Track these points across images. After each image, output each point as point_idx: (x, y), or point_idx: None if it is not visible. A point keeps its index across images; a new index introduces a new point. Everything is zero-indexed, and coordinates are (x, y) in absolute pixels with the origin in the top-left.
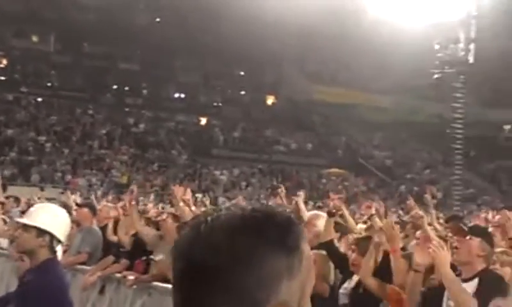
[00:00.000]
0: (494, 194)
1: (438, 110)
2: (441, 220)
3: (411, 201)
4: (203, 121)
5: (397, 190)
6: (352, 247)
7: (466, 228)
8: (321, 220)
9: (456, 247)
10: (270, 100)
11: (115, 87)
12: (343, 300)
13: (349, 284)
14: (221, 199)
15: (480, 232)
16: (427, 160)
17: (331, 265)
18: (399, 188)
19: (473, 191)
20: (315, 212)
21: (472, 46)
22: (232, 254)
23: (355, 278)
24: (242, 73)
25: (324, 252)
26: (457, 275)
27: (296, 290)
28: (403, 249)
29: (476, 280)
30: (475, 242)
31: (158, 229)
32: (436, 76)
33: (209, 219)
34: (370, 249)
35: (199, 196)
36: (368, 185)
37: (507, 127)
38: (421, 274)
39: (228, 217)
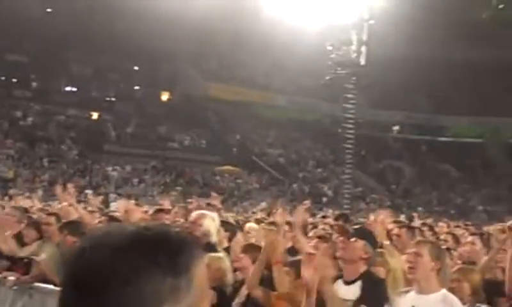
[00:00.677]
0: (382, 193)
1: (330, 110)
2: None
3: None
4: (95, 115)
5: (289, 188)
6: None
7: (351, 229)
8: (208, 219)
9: (341, 248)
10: (165, 96)
11: (2, 78)
12: None
13: (239, 299)
14: (112, 196)
15: (365, 234)
16: (319, 158)
17: (228, 267)
18: (292, 187)
19: (362, 190)
20: (202, 211)
21: (363, 48)
22: (114, 273)
23: (244, 291)
24: (136, 68)
25: (220, 254)
26: (339, 277)
27: None
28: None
29: (359, 282)
30: (360, 244)
31: (40, 228)
32: (328, 77)
33: (99, 234)
34: (259, 258)
35: (89, 192)
36: (261, 182)
37: (395, 128)
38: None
39: (117, 234)
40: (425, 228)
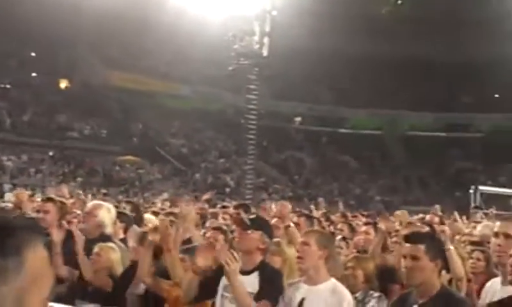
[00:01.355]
0: (284, 183)
1: (233, 101)
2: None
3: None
4: None
5: (192, 179)
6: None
7: (247, 220)
8: (103, 210)
9: (237, 239)
10: (63, 84)
11: None
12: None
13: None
14: (7, 187)
15: (261, 225)
16: (222, 149)
17: (118, 257)
18: (194, 177)
19: (265, 180)
20: (97, 201)
21: (266, 40)
22: None
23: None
24: (33, 54)
25: (111, 244)
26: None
27: (8, 296)
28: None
29: (256, 273)
30: (256, 234)
31: None
32: (231, 67)
33: None
34: (146, 246)
35: None
36: (163, 173)
37: (297, 119)
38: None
39: None
40: (322, 218)
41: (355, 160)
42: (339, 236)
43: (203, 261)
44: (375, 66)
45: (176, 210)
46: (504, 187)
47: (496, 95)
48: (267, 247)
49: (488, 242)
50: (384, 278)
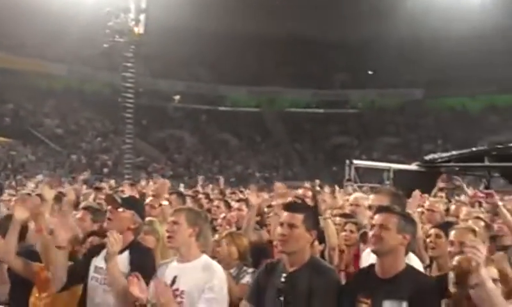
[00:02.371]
0: (164, 162)
1: (110, 79)
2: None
3: None
4: None
5: (68, 160)
6: None
7: (119, 199)
8: None
9: (109, 218)
10: None
11: None
12: None
13: None
14: None
15: (133, 204)
16: (99, 129)
17: None
18: (70, 158)
19: (144, 159)
20: None
21: (142, 17)
22: None
23: None
24: None
25: None
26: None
27: None
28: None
29: (126, 253)
30: (128, 214)
31: None
32: (106, 45)
33: None
34: (10, 227)
35: None
36: (37, 154)
37: (176, 97)
38: (65, 251)
39: None
40: (201, 196)
41: (235, 138)
42: (222, 215)
43: (61, 236)
44: (253, 45)
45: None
46: (379, 160)
47: (370, 72)
48: (138, 226)
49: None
50: (258, 253)
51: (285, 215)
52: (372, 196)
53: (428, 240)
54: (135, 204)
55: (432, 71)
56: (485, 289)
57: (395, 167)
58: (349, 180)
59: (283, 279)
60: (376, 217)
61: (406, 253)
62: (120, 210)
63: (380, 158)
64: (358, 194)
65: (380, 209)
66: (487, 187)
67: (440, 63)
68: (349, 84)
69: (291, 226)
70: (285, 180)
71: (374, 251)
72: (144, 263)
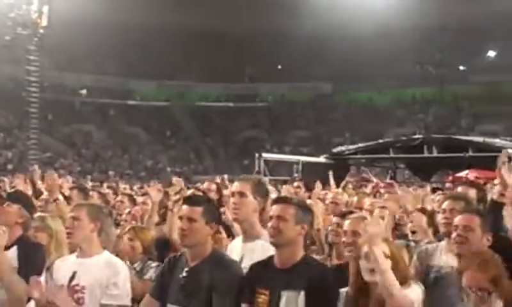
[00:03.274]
0: (71, 158)
1: (13, 73)
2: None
3: None
4: None
5: None
6: None
7: (4, 194)
8: None
9: None
10: None
11: None
12: None
13: None
14: None
15: (20, 198)
16: (2, 124)
17: None
18: None
19: (51, 155)
20: None
21: (45, 8)
22: None
23: None
24: None
25: None
26: None
27: None
28: None
29: (14, 248)
30: (13, 208)
31: None
32: (8, 37)
33: None
34: None
35: None
36: None
37: (82, 91)
38: None
39: None
40: (109, 190)
41: (145, 132)
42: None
43: None
44: (162, 38)
45: None
46: (290, 154)
47: (280, 66)
48: (26, 220)
49: None
50: (162, 247)
51: (184, 208)
52: (235, 183)
53: (330, 228)
54: (21, 199)
55: (340, 66)
56: (375, 263)
57: (304, 159)
58: (258, 172)
59: (184, 274)
60: (274, 208)
61: (304, 242)
62: (5, 204)
63: (291, 152)
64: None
65: (277, 200)
66: (392, 178)
67: (348, 58)
68: (259, 77)
69: (190, 219)
70: (196, 174)
71: (272, 243)
72: (32, 258)
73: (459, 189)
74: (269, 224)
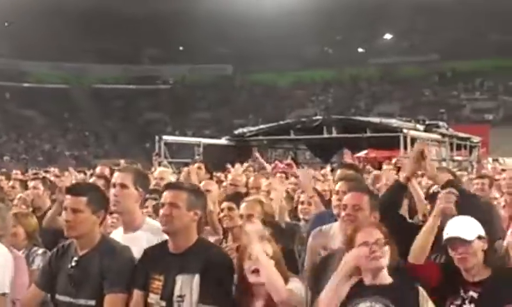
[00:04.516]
0: None
1: None
2: None
3: None
4: None
5: None
6: None
7: None
8: None
9: None
10: None
11: None
12: None
13: None
14: None
15: None
16: None
17: None
18: None
19: None
20: None
21: None
22: None
23: None
24: None
25: None
26: None
27: None
28: None
29: None
30: None
31: None
32: None
33: None
34: None
35: None
36: None
37: None
38: None
39: None
40: (1, 177)
41: (41, 116)
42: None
43: None
44: (58, 18)
45: None
46: (193, 136)
47: (181, 47)
48: None
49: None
50: (53, 234)
51: (67, 199)
52: (116, 173)
53: (222, 214)
54: None
55: (242, 48)
56: (259, 263)
57: (205, 142)
58: (157, 154)
59: (73, 264)
60: (165, 194)
61: (198, 227)
62: None
63: (193, 134)
64: (162, 169)
65: (168, 186)
66: (293, 159)
67: (249, 40)
68: (159, 59)
69: (74, 210)
70: (96, 158)
71: (165, 231)
72: None
73: (339, 171)
74: (161, 212)
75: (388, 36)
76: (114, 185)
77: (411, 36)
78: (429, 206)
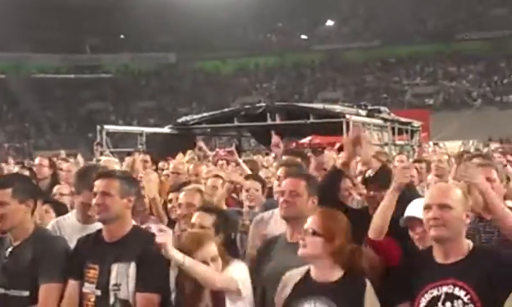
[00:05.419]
0: None
1: None
2: None
3: None
4: None
5: None
6: None
7: None
8: None
9: None
10: None
11: None
12: None
13: None
14: None
15: None
16: None
17: None
18: None
19: None
20: None
21: None
22: None
23: None
24: None
25: None
26: None
27: None
28: None
29: None
30: None
31: None
32: None
33: None
34: None
35: None
36: None
37: None
38: None
39: None
40: None
41: None
42: None
43: None
44: None
45: None
46: (138, 125)
47: (122, 36)
48: None
49: None
50: None
51: None
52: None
53: (170, 205)
54: None
55: (185, 36)
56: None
57: (148, 131)
58: (98, 144)
59: (7, 255)
60: (97, 183)
61: (132, 212)
62: None
63: (138, 123)
64: (107, 158)
65: (100, 175)
66: (238, 147)
67: (192, 28)
68: (100, 48)
69: (1, 203)
70: (36, 149)
71: (99, 220)
72: None
73: (283, 158)
74: (94, 201)
75: (330, 23)
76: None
77: (353, 23)
78: (365, 191)
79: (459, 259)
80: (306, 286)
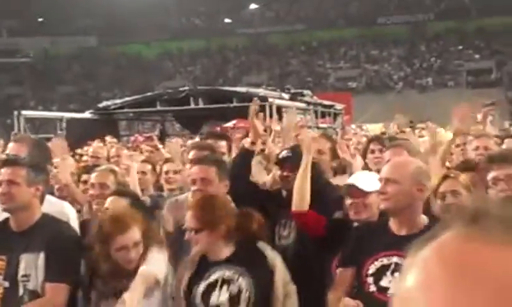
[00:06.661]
0: None
1: None
2: None
3: None
4: None
5: None
6: None
7: None
8: None
9: None
10: None
11: None
12: None
13: None
14: None
15: None
16: None
17: None
18: None
19: None
20: None
21: None
22: None
23: None
24: None
25: None
26: None
27: None
28: None
29: None
30: None
31: None
32: None
33: None
34: None
35: None
36: None
37: None
38: None
39: None
40: None
41: None
42: None
43: None
44: None
45: None
46: (58, 110)
47: (40, 19)
48: None
49: None
50: None
51: None
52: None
53: (83, 186)
54: None
55: (106, 19)
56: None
57: (68, 116)
58: (16, 133)
59: None
60: (2, 171)
61: (41, 200)
62: None
63: (59, 108)
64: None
65: (5, 163)
66: (161, 132)
67: (113, 11)
68: (18, 31)
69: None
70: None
71: (5, 210)
72: None
73: (209, 141)
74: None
75: (253, 6)
76: None
77: (277, 6)
78: (279, 171)
79: (413, 233)
80: (201, 266)
